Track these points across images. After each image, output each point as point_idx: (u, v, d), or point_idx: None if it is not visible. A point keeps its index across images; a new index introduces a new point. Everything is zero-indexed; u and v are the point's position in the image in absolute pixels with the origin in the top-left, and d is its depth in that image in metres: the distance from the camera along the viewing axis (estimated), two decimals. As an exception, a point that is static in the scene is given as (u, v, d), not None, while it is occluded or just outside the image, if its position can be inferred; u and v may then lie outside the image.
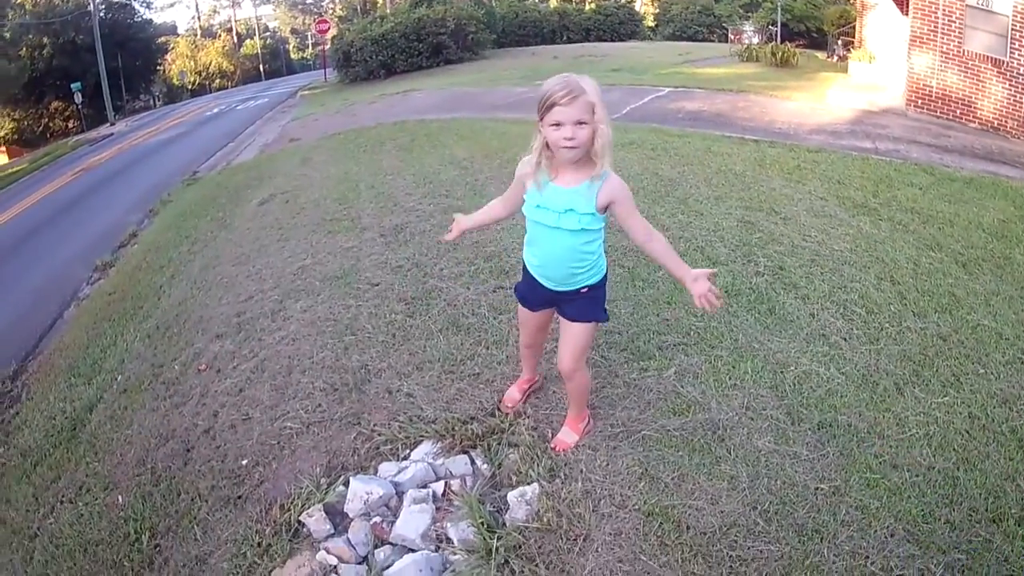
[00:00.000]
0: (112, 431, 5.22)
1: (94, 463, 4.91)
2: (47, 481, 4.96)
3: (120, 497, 4.37)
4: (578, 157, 3.00)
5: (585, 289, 3.33)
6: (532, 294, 3.50)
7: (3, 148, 47.19)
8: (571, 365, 3.48)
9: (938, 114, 12.91)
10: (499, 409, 4.10)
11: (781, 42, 22.41)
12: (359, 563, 3.32)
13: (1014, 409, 3.98)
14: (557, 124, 2.92)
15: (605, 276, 3.40)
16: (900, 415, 3.88)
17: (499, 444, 3.83)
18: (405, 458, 3.90)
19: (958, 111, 12.79)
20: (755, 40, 27.71)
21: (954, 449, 3.64)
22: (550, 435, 3.84)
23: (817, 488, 3.41)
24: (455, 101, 18.00)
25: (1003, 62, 12.25)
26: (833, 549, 3.08)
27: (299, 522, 3.57)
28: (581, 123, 2.90)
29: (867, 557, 3.04)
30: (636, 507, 3.33)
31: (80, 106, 41.72)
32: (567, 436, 3.75)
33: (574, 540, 3.20)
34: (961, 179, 8.69)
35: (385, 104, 19.86)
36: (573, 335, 3.44)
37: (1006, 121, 12.31)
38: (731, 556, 3.06)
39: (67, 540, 4.16)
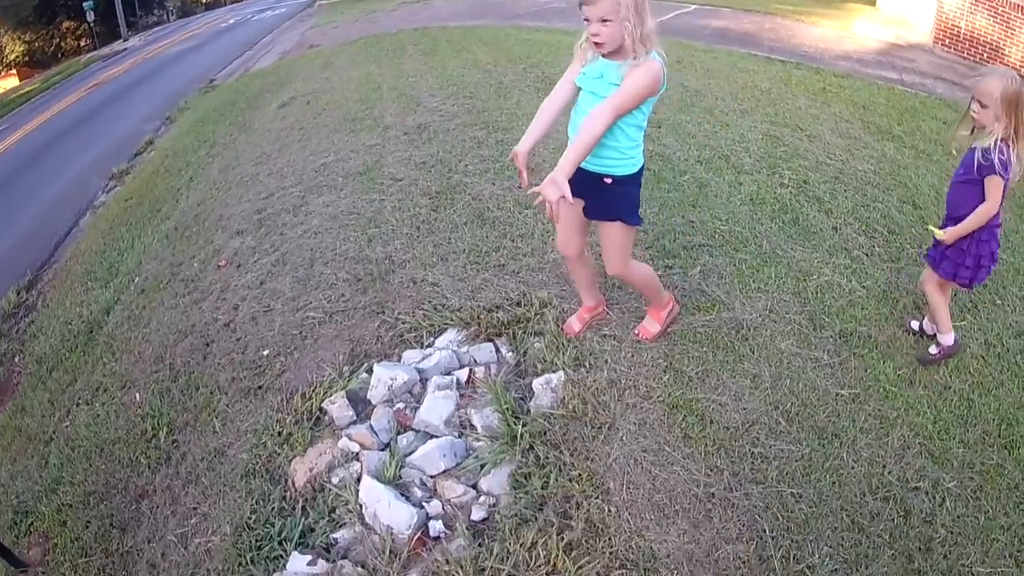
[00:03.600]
0: (130, 331, 5.23)
1: (111, 363, 4.93)
2: (63, 385, 4.98)
3: (138, 395, 4.40)
4: (607, 51, 2.97)
5: (610, 180, 3.18)
6: None
7: (14, 71, 46.63)
8: (617, 269, 3.43)
9: (965, 55, 12.48)
10: (524, 299, 4.07)
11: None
12: (381, 449, 3.32)
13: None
14: (587, 20, 2.91)
15: (635, 178, 3.23)
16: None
17: (524, 333, 3.82)
18: (429, 346, 3.90)
19: (985, 54, 12.33)
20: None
21: (970, 372, 3.63)
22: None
23: (837, 394, 3.42)
24: (477, 9, 17.81)
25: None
26: (852, 455, 3.10)
27: (321, 410, 3.58)
28: (605, 21, 2.86)
29: (884, 466, 3.06)
30: (660, 399, 3.34)
31: (93, 24, 40.88)
32: (650, 325, 3.73)
33: (599, 428, 3.21)
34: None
35: (406, 12, 19.68)
36: (607, 237, 3.36)
37: (1034, 69, 11.93)
38: (753, 453, 3.09)
39: (83, 441, 4.19)
